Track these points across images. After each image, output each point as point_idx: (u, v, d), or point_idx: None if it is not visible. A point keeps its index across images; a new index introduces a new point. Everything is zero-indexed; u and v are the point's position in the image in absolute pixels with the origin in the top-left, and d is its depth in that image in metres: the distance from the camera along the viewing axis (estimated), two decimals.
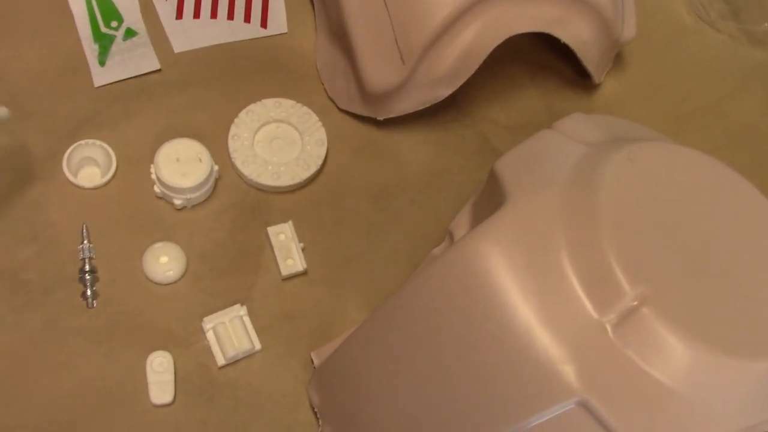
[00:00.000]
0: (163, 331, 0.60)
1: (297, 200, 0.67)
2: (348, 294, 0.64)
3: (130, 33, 0.71)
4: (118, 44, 0.70)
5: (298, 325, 0.62)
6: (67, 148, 0.64)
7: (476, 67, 0.64)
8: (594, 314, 0.44)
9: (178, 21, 0.73)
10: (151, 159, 0.64)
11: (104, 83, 0.69)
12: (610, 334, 0.43)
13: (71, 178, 0.64)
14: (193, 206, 0.65)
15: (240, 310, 0.61)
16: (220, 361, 0.59)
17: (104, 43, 0.70)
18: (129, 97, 0.69)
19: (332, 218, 0.66)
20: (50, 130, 0.66)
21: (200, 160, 0.63)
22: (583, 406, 0.43)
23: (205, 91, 0.70)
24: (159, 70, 0.70)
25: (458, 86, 0.65)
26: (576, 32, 0.67)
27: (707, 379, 0.43)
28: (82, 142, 0.65)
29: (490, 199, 0.54)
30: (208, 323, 0.60)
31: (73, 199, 0.64)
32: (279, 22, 0.75)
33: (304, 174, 0.66)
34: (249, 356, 0.60)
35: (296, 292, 0.63)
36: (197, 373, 0.59)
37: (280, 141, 0.68)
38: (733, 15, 0.83)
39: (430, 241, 0.65)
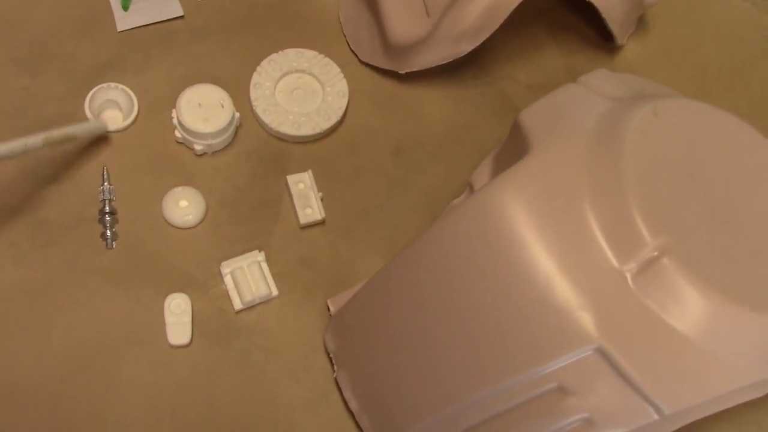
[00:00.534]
0: (182, 274, 0.60)
1: (317, 151, 0.67)
2: (365, 244, 0.64)
3: None
4: None
5: (315, 273, 0.62)
6: (89, 91, 0.65)
7: (500, 22, 0.64)
8: (615, 263, 0.44)
9: None
10: (172, 105, 0.64)
11: (127, 28, 0.69)
12: (630, 283, 0.44)
13: (93, 120, 0.64)
14: (214, 153, 0.65)
15: (258, 256, 0.61)
16: (237, 305, 0.60)
17: None
18: (151, 43, 0.69)
19: (351, 170, 0.67)
20: (72, 73, 0.66)
21: (222, 106, 0.63)
22: (601, 353, 0.43)
23: (227, 40, 0.70)
24: (182, 17, 0.70)
25: (481, 42, 0.65)
26: None
27: (725, 330, 0.43)
28: (104, 85, 0.65)
29: (512, 150, 0.54)
30: (226, 268, 0.60)
31: (95, 140, 0.64)
32: None
33: (325, 125, 0.66)
34: (266, 302, 0.61)
35: (314, 241, 0.63)
36: (214, 317, 0.60)
37: (301, 91, 0.68)
38: None
39: (449, 194, 0.65)
